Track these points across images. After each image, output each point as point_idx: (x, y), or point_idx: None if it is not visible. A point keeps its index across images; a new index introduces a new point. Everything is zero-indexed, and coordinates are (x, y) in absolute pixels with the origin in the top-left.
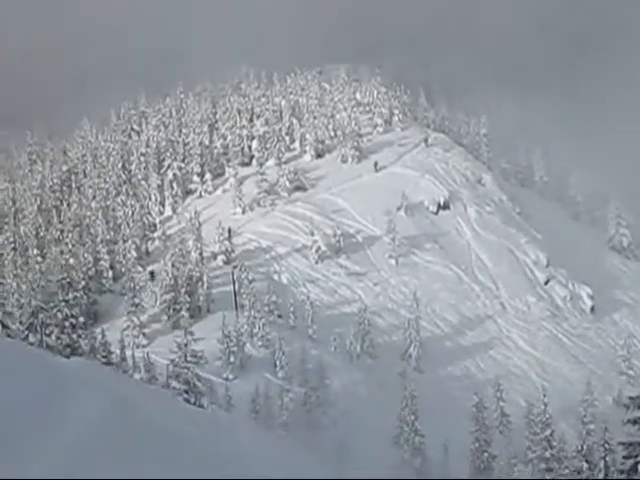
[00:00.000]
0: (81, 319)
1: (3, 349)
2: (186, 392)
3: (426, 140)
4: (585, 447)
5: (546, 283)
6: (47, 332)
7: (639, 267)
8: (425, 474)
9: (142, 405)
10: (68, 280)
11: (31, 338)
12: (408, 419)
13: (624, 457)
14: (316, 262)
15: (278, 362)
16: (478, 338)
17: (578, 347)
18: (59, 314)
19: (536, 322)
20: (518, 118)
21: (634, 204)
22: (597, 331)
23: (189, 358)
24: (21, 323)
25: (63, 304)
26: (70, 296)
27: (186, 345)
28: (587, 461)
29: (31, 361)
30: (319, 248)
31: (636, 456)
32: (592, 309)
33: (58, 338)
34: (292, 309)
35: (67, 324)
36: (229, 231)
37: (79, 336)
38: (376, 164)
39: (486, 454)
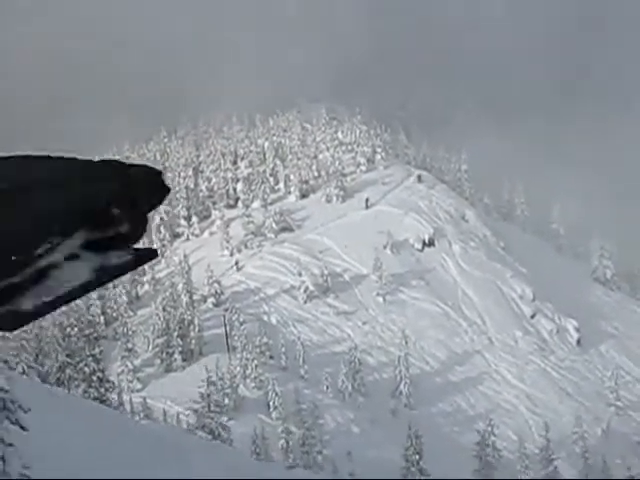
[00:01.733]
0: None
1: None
2: None
3: (419, 177)
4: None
5: (532, 317)
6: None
7: (623, 298)
8: None
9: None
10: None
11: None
12: (413, 458)
13: None
14: (304, 302)
15: (272, 403)
16: (467, 373)
17: (566, 380)
18: (86, 368)
19: (524, 356)
20: (498, 151)
21: (616, 235)
22: (584, 363)
23: (213, 408)
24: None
25: (90, 358)
26: (97, 350)
27: (209, 395)
28: None
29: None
30: (307, 288)
31: None
32: (578, 341)
33: (85, 392)
34: (283, 350)
35: (95, 378)
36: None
37: (106, 390)
38: (367, 200)
39: None
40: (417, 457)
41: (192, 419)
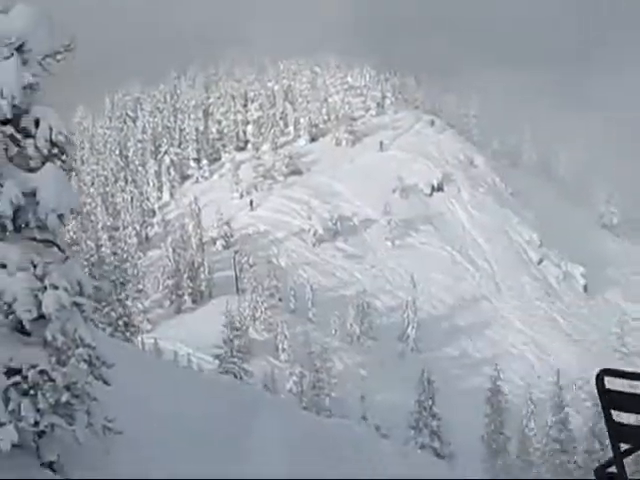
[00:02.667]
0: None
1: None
2: None
3: (432, 122)
4: (597, 428)
5: (539, 263)
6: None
7: (630, 245)
8: (444, 457)
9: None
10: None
11: None
12: (426, 404)
13: None
14: (314, 245)
15: (280, 346)
16: (474, 318)
17: (572, 326)
18: (113, 313)
19: (530, 302)
20: (506, 98)
21: (623, 182)
22: (590, 309)
23: (235, 353)
24: None
25: (117, 303)
26: (123, 295)
27: (232, 340)
28: (600, 442)
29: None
30: (316, 232)
31: None
32: (585, 287)
33: (112, 335)
34: (292, 293)
35: (121, 323)
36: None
37: (131, 334)
38: (381, 143)
39: (502, 436)
40: (430, 402)
41: (208, 363)
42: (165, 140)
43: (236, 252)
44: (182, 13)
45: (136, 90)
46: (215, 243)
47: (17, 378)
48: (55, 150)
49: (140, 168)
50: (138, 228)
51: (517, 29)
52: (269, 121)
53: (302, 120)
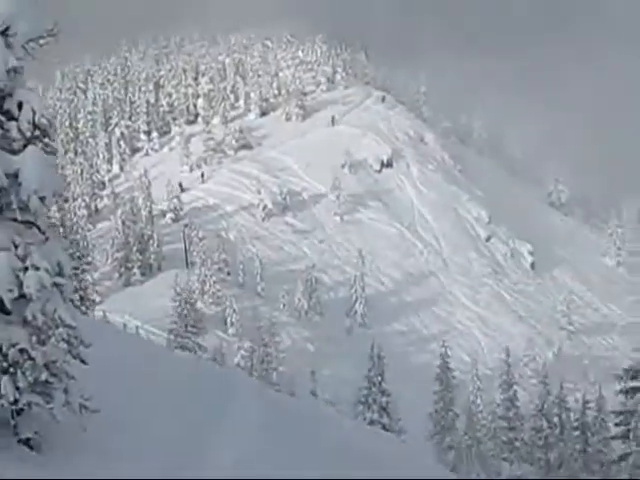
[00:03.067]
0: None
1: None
2: None
3: (383, 98)
4: (545, 406)
5: (487, 240)
6: None
7: (577, 223)
8: (394, 434)
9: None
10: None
11: None
12: (375, 380)
13: (616, 424)
14: (263, 220)
15: (229, 319)
16: (421, 294)
17: (519, 303)
18: None
19: (478, 278)
20: (457, 76)
21: (572, 160)
22: (537, 287)
23: (189, 328)
24: None
25: (73, 277)
26: (79, 270)
27: (186, 315)
28: (547, 420)
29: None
30: (265, 206)
31: (627, 424)
32: (532, 265)
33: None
34: (241, 267)
35: (77, 296)
36: (180, 186)
37: (87, 308)
38: (333, 118)
39: (451, 413)
40: (379, 378)
41: (157, 336)
42: (115, 112)
43: (186, 225)
44: None
45: (86, 62)
46: (165, 216)
47: None
48: (37, 133)
49: (90, 140)
50: (88, 200)
51: (472, 8)
52: (220, 95)
53: (253, 94)
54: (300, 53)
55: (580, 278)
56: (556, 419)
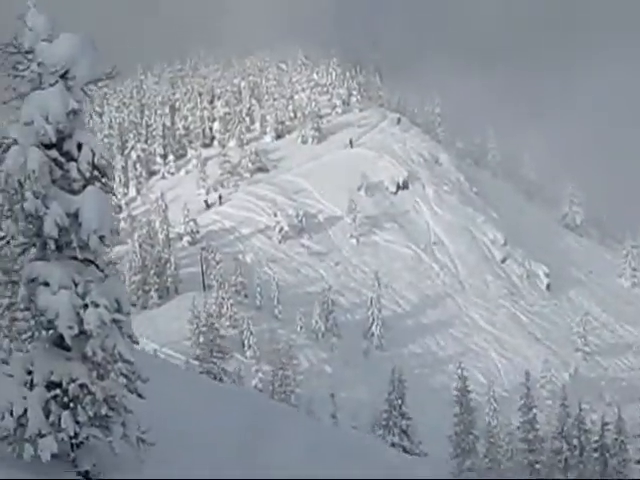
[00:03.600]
0: None
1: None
2: None
3: (398, 120)
4: (565, 428)
5: (503, 261)
6: None
7: (592, 244)
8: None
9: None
10: None
11: None
12: (396, 403)
13: None
14: (279, 242)
15: (246, 342)
16: (438, 316)
17: (535, 324)
18: None
19: (494, 300)
20: (471, 96)
21: (586, 181)
22: (553, 308)
23: (215, 354)
24: None
25: None
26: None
27: (212, 341)
28: (567, 442)
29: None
30: (282, 228)
31: None
32: (548, 287)
33: None
34: (258, 289)
35: None
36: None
37: None
38: (351, 141)
39: (471, 436)
40: (399, 402)
41: (175, 359)
42: (131, 136)
43: (203, 248)
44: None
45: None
46: (181, 239)
47: (57, 391)
48: (96, 173)
49: None
50: None
51: (485, 30)
52: (235, 118)
53: (268, 117)
54: (315, 76)
55: (596, 299)
56: (575, 441)
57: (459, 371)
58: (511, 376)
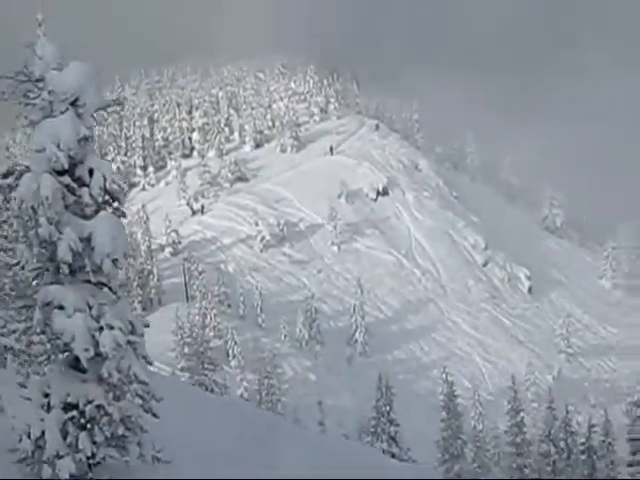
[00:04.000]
0: None
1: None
2: None
3: (377, 126)
4: (552, 431)
5: (484, 265)
6: None
7: (572, 247)
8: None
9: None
10: None
11: None
12: (383, 410)
13: (632, 453)
14: (261, 251)
15: (231, 351)
16: (421, 321)
17: (518, 327)
18: None
19: (476, 304)
20: (450, 102)
21: (566, 184)
22: (535, 311)
23: (206, 365)
24: None
25: None
26: None
27: (202, 353)
28: (554, 445)
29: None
30: (263, 237)
31: None
32: (530, 289)
33: None
34: (241, 299)
35: None
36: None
37: None
38: (331, 148)
39: (459, 441)
40: (387, 408)
41: (161, 370)
42: (111, 148)
43: (185, 259)
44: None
45: None
46: (163, 250)
47: (74, 413)
48: (108, 197)
49: None
50: None
51: (464, 37)
52: (214, 128)
53: (247, 126)
54: (293, 84)
55: (577, 301)
56: (562, 444)
57: (444, 376)
58: (496, 380)
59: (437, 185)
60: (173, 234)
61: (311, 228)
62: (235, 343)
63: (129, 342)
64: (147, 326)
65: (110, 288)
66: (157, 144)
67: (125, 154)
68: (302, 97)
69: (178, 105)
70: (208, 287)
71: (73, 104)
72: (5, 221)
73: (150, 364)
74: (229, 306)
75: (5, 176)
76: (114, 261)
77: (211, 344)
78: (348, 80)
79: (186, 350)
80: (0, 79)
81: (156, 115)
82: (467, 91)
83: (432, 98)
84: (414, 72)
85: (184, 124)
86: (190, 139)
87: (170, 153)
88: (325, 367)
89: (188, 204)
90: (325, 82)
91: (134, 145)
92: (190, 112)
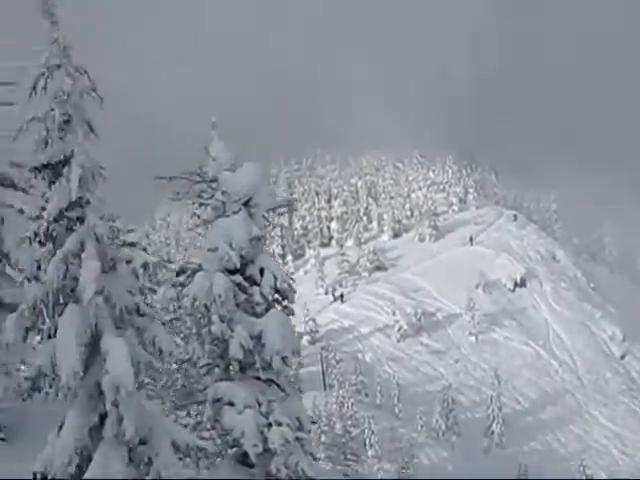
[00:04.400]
0: None
1: None
2: None
3: (515, 217)
4: None
5: (622, 358)
6: None
7: None
8: None
9: None
10: None
11: None
12: None
13: None
14: (398, 341)
15: (367, 441)
16: (558, 413)
17: None
18: None
19: (614, 396)
20: (585, 193)
21: None
22: None
23: (348, 456)
24: None
25: None
26: None
27: (344, 443)
28: None
29: None
30: (401, 327)
31: None
32: None
33: None
34: (378, 388)
35: None
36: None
37: None
38: (471, 238)
39: None
40: None
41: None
42: None
43: (322, 348)
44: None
45: None
46: (301, 338)
47: None
48: (277, 296)
49: None
50: None
51: (597, 124)
52: (353, 217)
53: (385, 216)
54: (431, 174)
55: None
56: None
57: (581, 469)
58: (633, 472)
59: (575, 276)
60: (311, 322)
61: (449, 318)
62: (372, 432)
63: (297, 438)
64: (314, 423)
65: (278, 385)
66: (296, 233)
67: (264, 243)
68: (440, 187)
69: (317, 194)
70: (345, 376)
71: (246, 204)
72: (178, 318)
73: (315, 460)
74: (366, 395)
75: (178, 274)
76: (283, 358)
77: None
78: (486, 170)
79: (323, 439)
80: (175, 179)
81: (295, 204)
82: (610, 183)
83: (569, 188)
84: (551, 162)
85: (323, 213)
86: (329, 228)
87: (309, 242)
88: (462, 458)
89: (327, 292)
90: (464, 172)
91: (273, 234)
92: (329, 201)
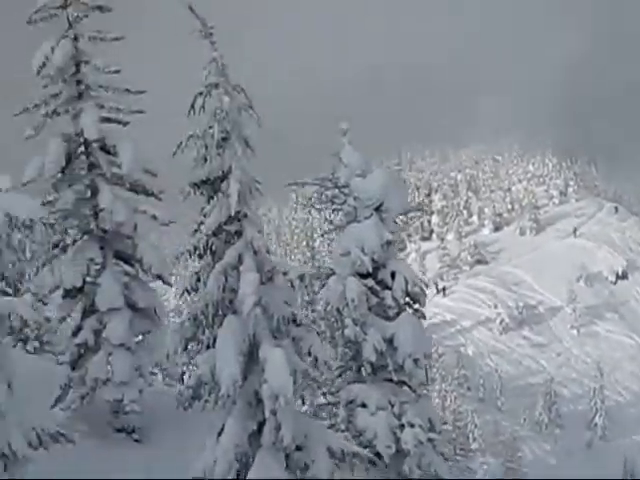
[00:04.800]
0: None
1: None
2: None
3: (616, 209)
4: None
5: None
6: None
7: None
8: None
9: None
10: None
11: None
12: None
13: None
14: (500, 334)
15: (471, 435)
16: None
17: None
18: None
19: None
20: None
21: None
22: None
23: (458, 451)
24: None
25: None
26: None
27: (454, 439)
28: None
29: None
30: (502, 320)
31: None
32: None
33: None
34: (481, 381)
35: None
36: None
37: None
38: (575, 230)
39: None
40: None
41: None
42: None
43: None
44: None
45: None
46: None
47: None
48: (409, 299)
49: (326, 259)
50: None
51: None
52: (453, 211)
53: (486, 209)
54: (531, 167)
55: None
56: None
57: None
58: None
59: None
60: None
61: (550, 311)
62: (475, 426)
63: (429, 439)
64: (445, 423)
65: (410, 387)
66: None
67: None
68: (541, 180)
69: (417, 188)
70: (448, 370)
71: (377, 209)
72: (314, 321)
73: (447, 460)
74: (468, 389)
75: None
76: (415, 361)
77: (448, 426)
78: (586, 163)
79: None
80: (307, 185)
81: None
82: None
83: None
84: None
85: (423, 207)
86: (429, 222)
87: (409, 236)
88: (565, 451)
89: (428, 286)
90: (563, 165)
91: None
92: (429, 195)
